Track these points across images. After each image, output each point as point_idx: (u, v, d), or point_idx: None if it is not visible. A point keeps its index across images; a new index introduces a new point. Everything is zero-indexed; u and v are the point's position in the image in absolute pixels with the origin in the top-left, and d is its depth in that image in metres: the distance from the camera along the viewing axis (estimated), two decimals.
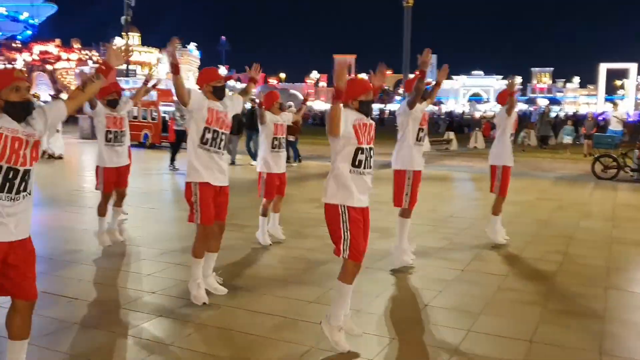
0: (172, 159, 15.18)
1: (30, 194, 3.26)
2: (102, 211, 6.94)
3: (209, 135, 4.81)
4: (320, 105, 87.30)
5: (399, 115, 6.19)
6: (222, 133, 4.92)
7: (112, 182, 6.94)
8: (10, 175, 3.11)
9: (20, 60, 72.49)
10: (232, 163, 16.28)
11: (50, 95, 33.04)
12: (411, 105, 5.91)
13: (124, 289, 5.51)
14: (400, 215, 6.27)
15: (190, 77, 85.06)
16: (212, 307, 4.92)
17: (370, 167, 4.06)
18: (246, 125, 16.93)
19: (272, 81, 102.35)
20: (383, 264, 6.24)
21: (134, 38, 74.25)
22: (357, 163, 3.97)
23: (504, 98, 7.21)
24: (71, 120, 35.50)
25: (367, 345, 4.17)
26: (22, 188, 3.18)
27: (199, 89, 5.00)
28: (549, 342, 4.31)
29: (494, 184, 7.27)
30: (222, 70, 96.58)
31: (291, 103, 17.09)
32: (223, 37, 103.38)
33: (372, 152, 4.07)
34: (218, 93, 4.94)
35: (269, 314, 4.77)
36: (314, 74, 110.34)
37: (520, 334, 4.44)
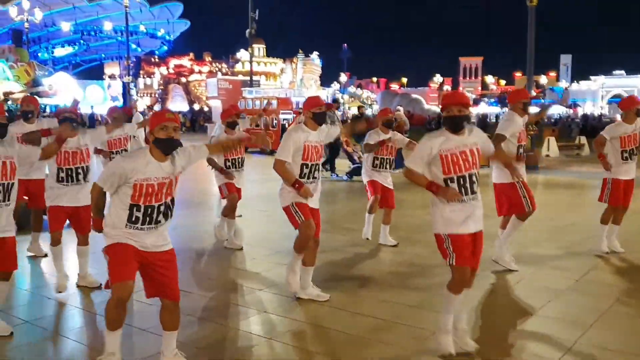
0: (332, 167, 15.13)
1: (168, 219, 3.77)
2: (230, 214, 7.30)
3: (306, 170, 5.03)
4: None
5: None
6: (316, 164, 5.12)
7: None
8: (149, 212, 3.63)
9: (158, 74, 78.34)
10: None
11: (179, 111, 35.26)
12: None
13: (234, 285, 5.84)
14: (518, 217, 6.09)
15: (312, 85, 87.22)
16: (314, 307, 5.09)
17: (474, 193, 3.98)
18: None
19: (394, 86, 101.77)
20: (489, 272, 6.08)
21: (259, 50, 77.25)
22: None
23: (628, 104, 6.72)
24: (199, 130, 37.88)
25: None
26: (159, 219, 3.69)
27: (303, 113, 5.25)
28: None
29: (603, 192, 6.83)
30: (343, 78, 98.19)
31: (400, 108, 17.04)
32: (345, 45, 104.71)
33: (474, 177, 3.98)
34: (318, 118, 5.11)
35: (369, 316, 4.85)
36: (437, 78, 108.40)
37: (632, 349, 4.17)
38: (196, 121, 44.93)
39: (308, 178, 5.04)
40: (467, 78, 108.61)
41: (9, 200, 4.27)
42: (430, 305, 4.92)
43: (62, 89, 8.28)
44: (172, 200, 3.74)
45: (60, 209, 5.43)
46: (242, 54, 69.24)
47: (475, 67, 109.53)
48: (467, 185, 3.92)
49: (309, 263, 5.23)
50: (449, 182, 3.91)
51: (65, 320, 4.96)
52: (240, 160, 7.29)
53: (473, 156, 3.96)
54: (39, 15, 36.95)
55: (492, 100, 78.54)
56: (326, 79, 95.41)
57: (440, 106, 4.12)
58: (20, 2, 38.14)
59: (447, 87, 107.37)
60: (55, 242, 5.51)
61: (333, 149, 14.57)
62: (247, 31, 28.47)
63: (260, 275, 6.13)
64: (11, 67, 7.62)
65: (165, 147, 3.62)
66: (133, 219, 3.60)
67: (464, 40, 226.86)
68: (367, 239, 7.37)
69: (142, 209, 3.60)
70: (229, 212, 7.25)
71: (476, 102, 76.62)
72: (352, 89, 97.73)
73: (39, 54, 60.50)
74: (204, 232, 8.17)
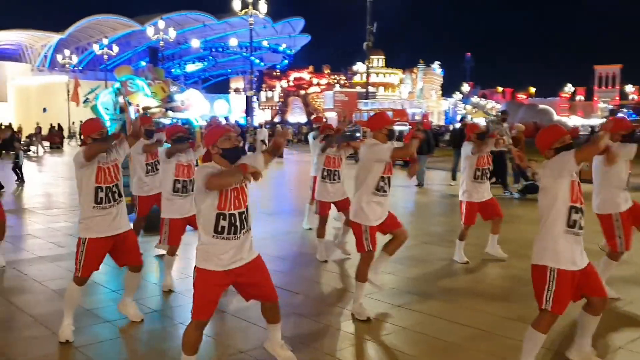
0: (505, 183, 14.01)
1: (250, 229, 3.77)
2: (320, 234, 7.39)
3: (382, 184, 5.16)
4: (576, 120, 79.49)
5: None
6: (389, 177, 5.21)
7: (328, 208, 7.41)
8: (233, 220, 3.63)
9: (278, 87, 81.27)
10: (420, 185, 15.40)
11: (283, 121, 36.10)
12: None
13: (339, 289, 6.15)
14: (609, 256, 5.69)
15: (432, 95, 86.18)
16: (414, 314, 5.26)
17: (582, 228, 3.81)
18: (455, 143, 16.08)
19: (521, 96, 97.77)
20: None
21: (378, 61, 77.78)
22: (571, 223, 3.76)
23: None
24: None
25: None
26: (243, 227, 3.69)
27: (377, 130, 5.21)
28: None
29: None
30: (465, 88, 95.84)
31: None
32: (468, 54, 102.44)
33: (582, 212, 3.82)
34: (391, 135, 5.23)
35: (466, 325, 4.94)
36: (569, 87, 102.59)
37: None
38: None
39: (384, 191, 5.18)
40: (603, 87, 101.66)
41: (120, 197, 4.74)
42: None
43: (193, 104, 9.16)
44: (247, 209, 3.74)
45: (179, 221, 5.98)
46: (359, 67, 70.09)
47: (612, 75, 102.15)
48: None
49: (390, 252, 5.48)
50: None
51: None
52: (335, 172, 7.25)
53: None
54: (172, 34, 39.94)
55: (630, 110, 72.80)
56: (448, 89, 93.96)
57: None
58: (157, 22, 41.42)
59: (580, 97, 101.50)
60: (173, 253, 6.06)
61: (500, 163, 13.36)
62: (365, 44, 28.91)
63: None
64: (149, 85, 8.49)
65: (232, 156, 3.70)
66: (219, 229, 3.64)
67: (598, 48, 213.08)
68: (466, 262, 7.14)
69: (227, 217, 3.62)
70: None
71: (613, 112, 71.32)
72: (475, 99, 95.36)
73: (172, 70, 65.18)
74: (314, 238, 8.55)
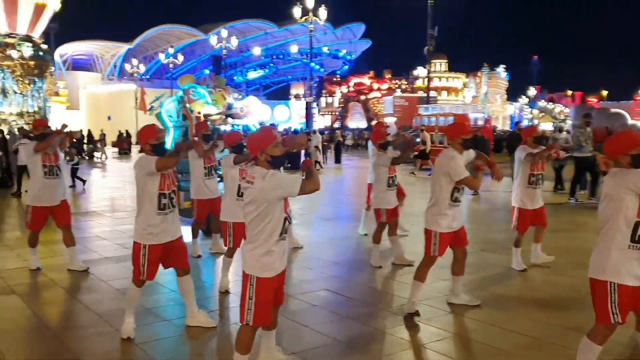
0: (573, 190, 13.35)
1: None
2: (377, 239, 7.41)
3: (457, 194, 5.27)
4: None
5: None
6: (463, 187, 5.28)
7: (391, 216, 7.30)
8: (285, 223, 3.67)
9: (338, 93, 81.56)
10: (476, 192, 14.67)
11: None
12: None
13: (391, 295, 6.17)
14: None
15: (497, 99, 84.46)
16: (467, 320, 5.23)
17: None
18: (510, 147, 15.61)
19: (592, 99, 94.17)
20: None
21: (441, 65, 76.82)
22: (637, 238, 3.56)
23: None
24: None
25: None
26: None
27: (452, 139, 5.31)
28: None
29: None
30: (531, 91, 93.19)
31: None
32: (535, 57, 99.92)
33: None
34: (466, 145, 5.30)
35: (520, 333, 4.87)
36: None
37: None
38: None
39: (458, 201, 5.29)
40: None
41: (173, 206, 4.84)
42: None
43: (252, 111, 9.42)
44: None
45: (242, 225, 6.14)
46: (420, 71, 69.52)
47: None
48: None
49: (457, 272, 5.66)
50: None
51: None
52: (394, 179, 7.27)
53: None
54: (235, 42, 40.82)
55: None
56: (513, 93, 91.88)
57: None
58: (220, 31, 42.48)
59: None
60: (231, 255, 6.23)
61: (579, 169, 13.10)
62: (425, 48, 28.70)
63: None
64: (210, 93, 8.81)
65: (279, 163, 3.70)
66: (280, 231, 3.66)
67: None
68: (524, 269, 6.98)
69: (282, 221, 3.65)
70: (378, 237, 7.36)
71: None
72: (542, 103, 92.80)
73: (235, 78, 66.61)
74: (370, 244, 8.57)
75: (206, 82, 10.42)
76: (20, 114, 35.03)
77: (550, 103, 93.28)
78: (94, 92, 58.32)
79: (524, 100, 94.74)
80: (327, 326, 5.10)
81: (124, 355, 4.57)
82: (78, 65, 61.32)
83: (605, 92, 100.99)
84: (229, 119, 10.16)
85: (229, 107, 10.12)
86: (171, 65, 49.76)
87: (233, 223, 6.08)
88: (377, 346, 4.70)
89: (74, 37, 59.14)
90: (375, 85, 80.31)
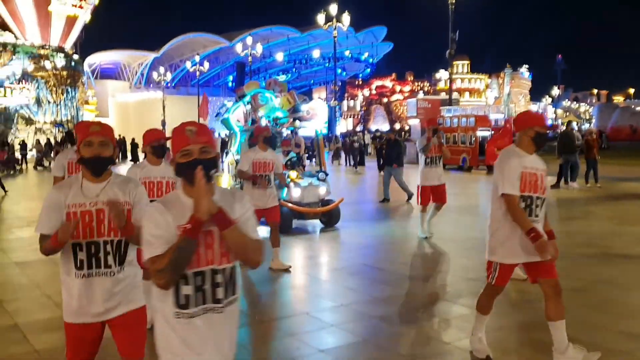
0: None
1: None
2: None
3: (522, 204, 4.05)
4: None
5: None
6: (538, 198, 4.09)
7: (429, 198, 8.81)
8: None
9: (360, 96, 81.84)
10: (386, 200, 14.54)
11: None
12: None
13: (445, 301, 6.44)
14: None
15: (520, 100, 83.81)
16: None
17: None
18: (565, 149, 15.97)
19: (617, 98, 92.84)
20: None
21: (463, 66, 76.67)
22: None
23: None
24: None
25: None
26: None
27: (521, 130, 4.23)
28: None
29: None
30: (555, 91, 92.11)
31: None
32: (559, 56, 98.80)
33: None
34: (541, 141, 4.14)
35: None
36: None
37: None
38: None
39: (529, 216, 4.05)
40: None
41: None
42: None
43: (317, 113, 9.86)
44: None
45: None
46: (442, 74, 69.57)
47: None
48: None
49: (554, 317, 4.08)
50: None
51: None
52: (436, 158, 8.84)
53: None
54: (259, 49, 41.63)
55: None
56: (536, 93, 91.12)
57: None
58: (245, 37, 43.31)
59: None
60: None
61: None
62: (447, 52, 29.05)
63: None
64: (276, 97, 9.35)
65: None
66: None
67: None
68: None
69: None
70: None
71: None
72: (566, 102, 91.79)
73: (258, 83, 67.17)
74: (426, 247, 9.03)
75: (272, 87, 10.81)
76: (54, 123, 36.24)
77: (575, 102, 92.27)
78: (123, 100, 59.49)
79: (547, 100, 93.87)
80: (349, 324, 5.42)
81: None
82: (105, 74, 62.62)
83: (632, 90, 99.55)
84: (297, 122, 10.58)
85: (296, 109, 10.51)
86: (198, 73, 50.69)
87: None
88: (412, 343, 5.06)
89: (99, 47, 60.54)
90: (398, 88, 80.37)
